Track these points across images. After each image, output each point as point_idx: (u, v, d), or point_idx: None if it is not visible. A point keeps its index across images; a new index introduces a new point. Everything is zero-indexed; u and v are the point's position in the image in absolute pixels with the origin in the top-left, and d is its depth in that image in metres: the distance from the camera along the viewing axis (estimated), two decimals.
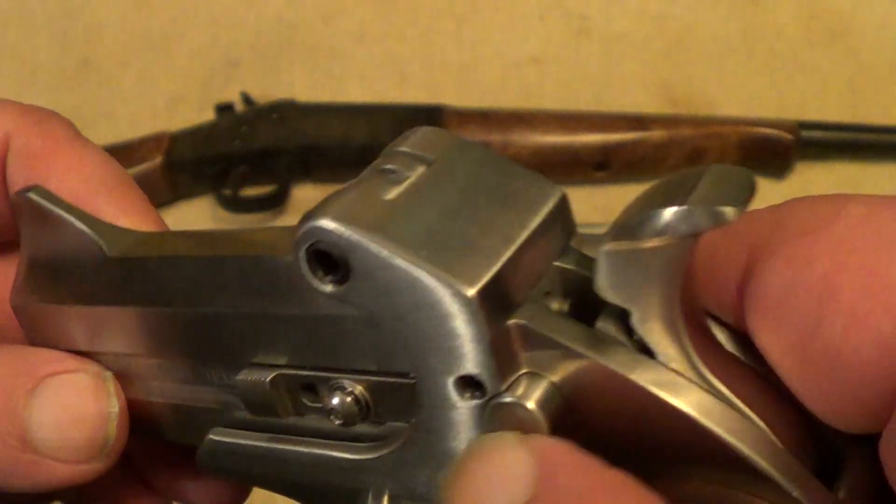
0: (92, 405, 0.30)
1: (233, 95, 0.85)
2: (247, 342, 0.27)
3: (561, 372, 0.22)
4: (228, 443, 0.29)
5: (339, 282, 0.22)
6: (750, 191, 0.20)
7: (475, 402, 0.22)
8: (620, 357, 0.21)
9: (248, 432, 0.28)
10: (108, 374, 0.31)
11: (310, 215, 0.22)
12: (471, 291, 0.21)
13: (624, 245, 0.21)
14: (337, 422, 0.25)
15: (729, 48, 0.89)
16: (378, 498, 0.26)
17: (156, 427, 0.32)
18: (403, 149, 0.24)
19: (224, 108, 0.84)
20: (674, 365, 0.21)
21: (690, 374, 0.21)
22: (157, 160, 0.82)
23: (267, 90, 0.87)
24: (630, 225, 0.20)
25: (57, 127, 0.34)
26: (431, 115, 0.82)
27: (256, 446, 0.28)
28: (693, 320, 0.22)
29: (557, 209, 0.23)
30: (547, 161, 0.81)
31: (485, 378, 0.22)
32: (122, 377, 0.31)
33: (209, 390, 0.29)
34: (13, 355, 0.31)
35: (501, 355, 0.22)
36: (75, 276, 0.31)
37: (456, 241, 0.22)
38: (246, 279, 0.26)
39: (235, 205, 0.82)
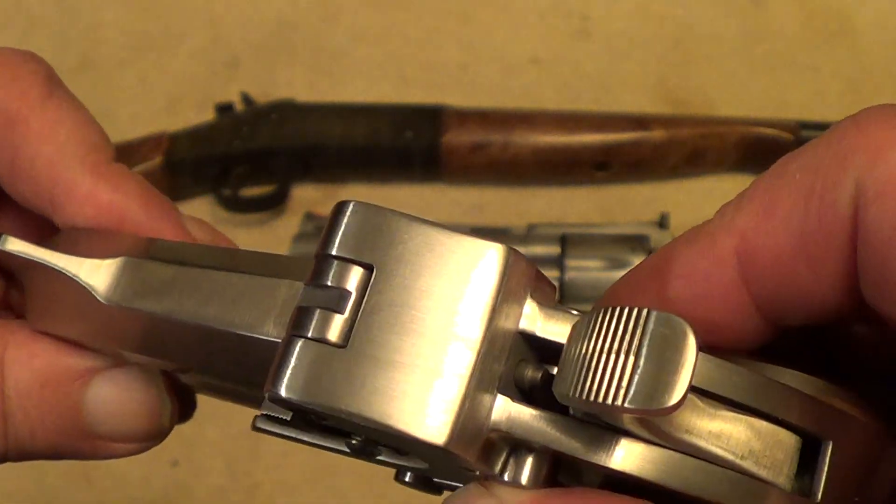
0: (145, 398, 0.31)
1: (233, 95, 0.85)
2: (259, 383, 0.27)
3: (543, 446, 0.24)
4: (273, 432, 0.29)
5: (323, 420, 0.24)
6: (690, 367, 0.21)
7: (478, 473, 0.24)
8: (592, 444, 0.23)
9: (290, 428, 0.29)
10: (156, 369, 0.32)
11: (272, 380, 0.23)
12: (441, 441, 0.22)
13: (570, 404, 0.23)
14: (357, 456, 0.27)
15: (729, 48, 0.89)
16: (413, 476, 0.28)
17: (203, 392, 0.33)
18: (336, 252, 0.24)
19: (224, 108, 0.84)
20: (645, 436, 0.23)
21: (660, 440, 0.23)
22: (157, 160, 0.82)
23: (267, 90, 0.87)
24: (578, 402, 0.22)
25: (32, 83, 0.32)
26: (431, 115, 0.82)
27: (300, 439, 0.29)
28: None
29: (506, 276, 0.23)
30: (547, 161, 0.81)
31: (477, 471, 0.24)
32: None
33: (246, 389, 0.30)
34: (59, 353, 0.31)
35: (486, 456, 0.23)
36: (78, 318, 0.31)
37: (416, 380, 0.23)
38: (238, 354, 0.26)
39: (235, 205, 0.82)
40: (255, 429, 0.29)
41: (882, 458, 0.25)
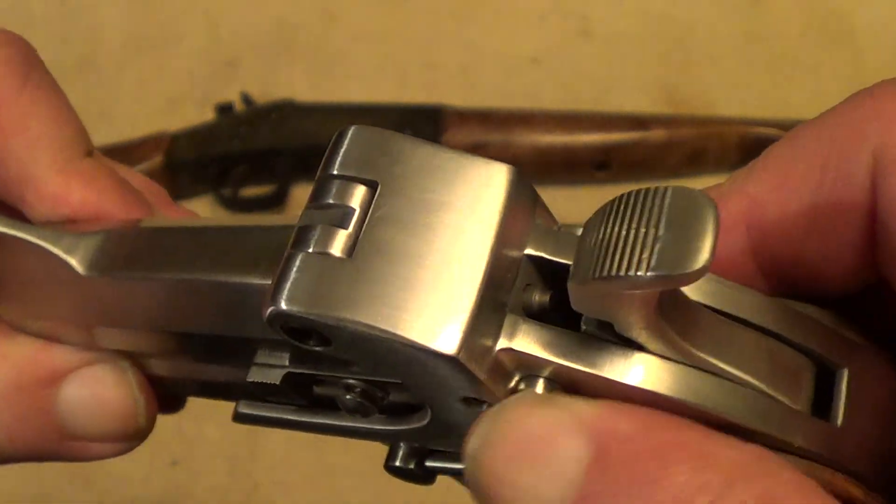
0: (117, 397, 0.30)
1: (233, 95, 0.85)
2: (245, 349, 0.26)
3: (554, 371, 0.22)
4: (257, 415, 0.28)
5: (324, 344, 0.22)
6: (714, 233, 0.20)
7: (482, 408, 0.23)
8: (607, 360, 0.22)
9: (274, 405, 0.28)
10: (125, 363, 0.31)
11: (271, 296, 0.22)
12: (452, 350, 0.21)
13: (591, 290, 0.21)
14: (352, 416, 0.26)
15: (729, 48, 0.89)
16: (409, 447, 0.27)
17: (181, 390, 0.32)
18: (338, 171, 0.23)
19: (224, 108, 0.84)
20: (660, 353, 0.22)
21: (677, 356, 0.22)
22: (157, 160, 0.82)
23: (267, 90, 0.87)
24: (595, 278, 0.20)
25: (6, 71, 0.30)
26: (431, 115, 0.82)
27: (285, 418, 0.28)
28: (674, 306, 0.22)
29: (513, 195, 0.23)
30: (547, 161, 0.81)
31: (485, 398, 0.23)
32: (138, 359, 0.31)
33: (225, 371, 0.29)
34: (28, 356, 0.31)
35: (495, 378, 0.22)
36: (53, 295, 0.30)
37: (424, 292, 0.22)
38: (225, 305, 0.25)
39: (235, 205, 0.82)
40: (238, 417, 0.28)
41: None
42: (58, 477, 0.71)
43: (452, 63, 0.89)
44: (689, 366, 0.22)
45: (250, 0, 0.93)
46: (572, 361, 0.22)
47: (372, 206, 0.22)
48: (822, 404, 0.24)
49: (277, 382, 0.26)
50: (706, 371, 0.22)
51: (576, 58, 0.89)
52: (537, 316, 0.23)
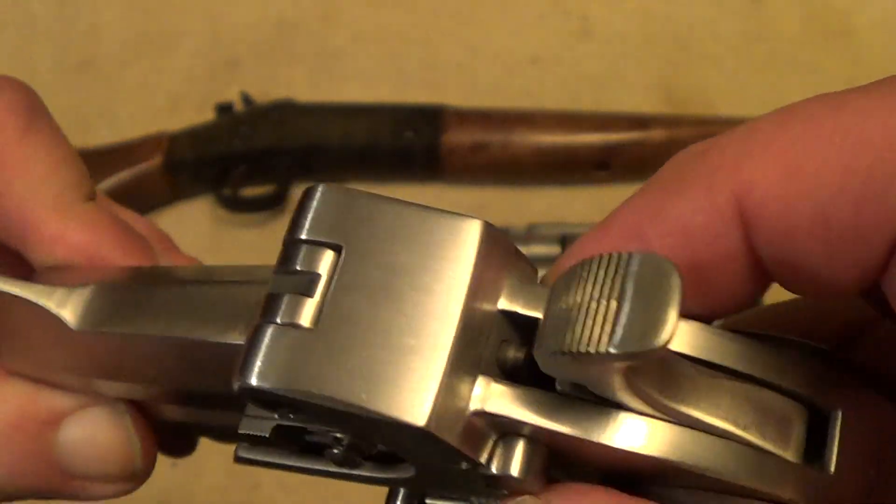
0: (114, 439, 0.31)
1: (233, 95, 0.85)
2: (235, 401, 0.26)
3: (532, 431, 0.22)
4: (255, 459, 0.28)
5: (295, 413, 0.22)
6: (676, 304, 0.19)
7: (465, 468, 0.23)
8: (584, 421, 0.22)
9: (272, 449, 0.28)
10: (122, 406, 0.31)
11: (240, 370, 0.21)
12: (422, 422, 0.21)
13: (557, 365, 0.21)
14: (340, 468, 0.25)
15: (729, 48, 0.89)
16: (405, 499, 0.27)
17: (188, 433, 0.32)
18: (304, 235, 0.23)
19: (224, 108, 0.84)
20: (639, 410, 0.22)
21: (657, 413, 0.22)
22: (157, 160, 0.82)
23: (267, 90, 0.87)
24: (560, 354, 0.20)
25: (9, 115, 0.31)
26: (431, 115, 0.82)
27: (282, 464, 0.28)
28: (653, 364, 0.22)
29: (484, 250, 0.22)
30: (547, 161, 0.81)
31: (464, 463, 0.22)
32: (138, 401, 0.31)
33: (220, 415, 0.29)
34: (28, 396, 0.31)
35: (471, 442, 0.22)
36: (49, 348, 0.30)
37: (392, 361, 0.21)
38: (211, 363, 0.25)
39: (235, 205, 0.82)
40: (238, 459, 0.28)
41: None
42: None
43: (452, 63, 0.89)
44: (672, 422, 0.22)
45: (250, 0, 0.93)
46: (548, 422, 0.22)
47: (338, 270, 0.22)
48: (813, 449, 0.23)
49: (267, 435, 0.26)
50: (689, 426, 0.22)
51: (576, 58, 0.89)
52: (513, 372, 0.23)
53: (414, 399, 0.21)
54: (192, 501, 0.71)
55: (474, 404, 0.22)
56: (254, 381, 0.21)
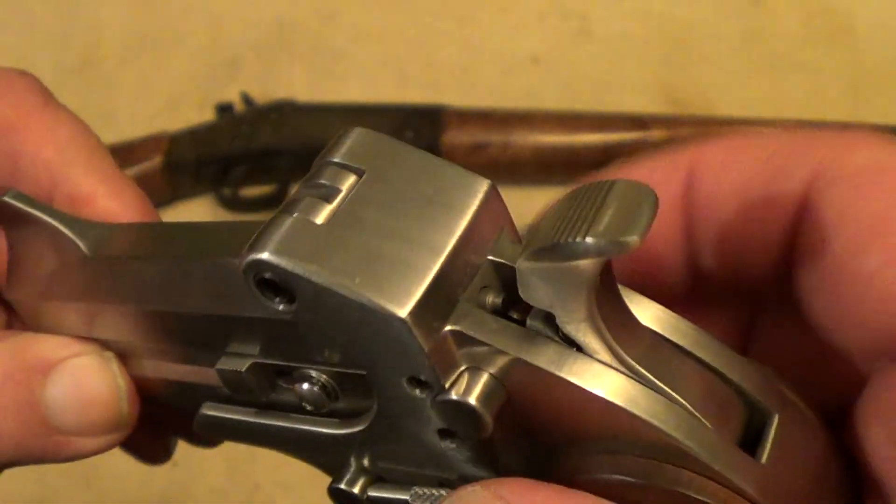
0: (101, 386, 0.31)
1: (233, 95, 0.85)
2: (221, 334, 0.28)
3: (497, 367, 0.24)
4: (219, 416, 0.31)
5: (288, 302, 0.24)
6: (651, 214, 0.22)
7: (426, 395, 0.25)
8: (547, 354, 0.24)
9: (236, 407, 0.30)
10: (109, 354, 0.32)
11: (251, 247, 0.24)
12: (403, 313, 0.23)
13: (538, 265, 0.23)
14: (308, 407, 0.28)
15: (729, 48, 0.89)
16: (357, 468, 0.29)
17: (159, 396, 0.33)
18: (334, 159, 0.26)
19: (224, 108, 0.84)
20: (598, 356, 0.23)
21: (614, 362, 0.24)
22: (157, 160, 0.82)
23: (267, 90, 0.87)
24: (542, 249, 0.22)
25: (28, 93, 0.34)
26: (431, 115, 0.82)
27: (244, 420, 0.30)
28: (616, 314, 0.24)
29: (485, 204, 0.25)
30: (547, 161, 0.81)
31: (429, 379, 0.24)
32: (123, 356, 0.32)
33: (199, 370, 0.30)
34: (20, 346, 0.32)
35: (441, 359, 0.24)
36: (60, 274, 0.32)
37: (388, 261, 0.23)
38: (210, 283, 0.27)
39: (235, 205, 0.82)
40: (200, 419, 0.31)
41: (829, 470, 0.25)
42: (58, 477, 0.72)
43: (452, 63, 0.89)
44: (624, 373, 0.23)
45: (250, 0, 0.93)
46: (513, 350, 0.24)
47: (356, 187, 0.25)
48: (749, 446, 0.24)
49: (242, 370, 0.28)
50: (639, 382, 0.23)
51: (576, 58, 0.89)
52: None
53: (400, 293, 0.23)
54: (191, 501, 0.71)
55: (452, 323, 0.24)
56: (264, 255, 0.23)
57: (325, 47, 0.90)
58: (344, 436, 0.28)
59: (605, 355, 0.23)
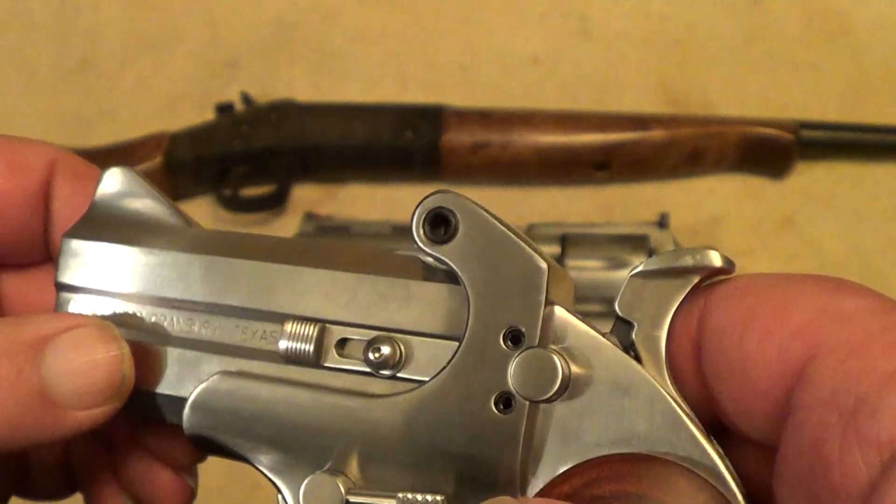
0: (103, 350, 0.32)
1: (233, 95, 0.85)
2: (297, 295, 0.32)
3: (577, 351, 0.30)
4: (232, 384, 0.32)
5: (444, 241, 0.30)
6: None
7: (511, 351, 0.29)
8: (617, 355, 0.30)
9: (255, 376, 0.32)
10: (108, 322, 0.33)
11: (433, 193, 0.30)
12: (544, 265, 0.30)
13: (651, 266, 0.30)
14: (367, 369, 0.31)
15: (729, 48, 0.89)
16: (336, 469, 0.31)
17: (155, 380, 0.34)
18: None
19: (224, 108, 0.84)
20: (650, 371, 0.30)
21: (662, 380, 0.30)
22: (157, 160, 0.82)
23: (267, 90, 0.87)
24: (660, 256, 0.30)
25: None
26: (431, 115, 0.82)
27: (263, 387, 0.32)
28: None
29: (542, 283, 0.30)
30: (547, 161, 0.81)
31: (528, 333, 0.29)
32: (135, 325, 0.34)
33: (253, 327, 0.33)
34: (17, 323, 0.32)
35: (546, 320, 0.29)
36: (149, 230, 0.35)
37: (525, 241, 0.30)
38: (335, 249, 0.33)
39: (235, 205, 0.82)
40: (204, 395, 0.32)
41: None
42: None
43: (452, 63, 0.89)
44: (671, 394, 0.30)
45: (250, 0, 0.93)
46: (599, 334, 0.30)
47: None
48: None
49: (313, 332, 0.32)
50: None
51: (576, 58, 0.89)
52: None
53: (543, 254, 0.30)
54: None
55: (559, 305, 0.30)
56: (448, 193, 0.31)
57: (325, 47, 0.90)
58: (387, 397, 0.31)
59: (654, 371, 0.30)
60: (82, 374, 0.31)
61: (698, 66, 0.88)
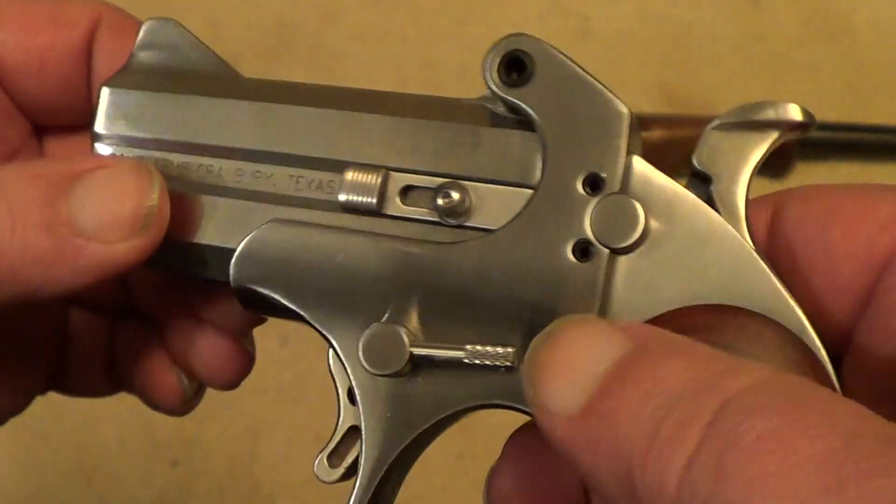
0: (134, 180, 0.30)
1: None
2: (358, 142, 0.31)
3: (658, 200, 0.29)
4: (285, 232, 0.30)
5: (518, 84, 0.29)
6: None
7: (591, 196, 0.29)
8: (701, 202, 0.29)
9: (310, 225, 0.30)
10: (144, 161, 0.32)
11: (507, 36, 0.29)
12: (626, 110, 0.29)
13: (731, 119, 0.29)
14: (435, 216, 0.30)
15: (729, 48, 0.89)
16: (396, 316, 0.29)
17: (200, 231, 0.32)
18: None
19: None
20: (732, 222, 0.29)
21: (742, 230, 0.29)
22: None
23: None
24: (741, 108, 0.29)
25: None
26: None
27: (319, 235, 0.30)
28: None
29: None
30: None
31: (609, 178, 0.29)
32: (178, 175, 0.32)
33: (312, 175, 0.31)
34: (51, 161, 0.31)
35: (626, 167, 0.29)
36: (193, 79, 0.34)
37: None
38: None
39: None
40: (255, 242, 0.31)
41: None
42: (58, 477, 0.72)
43: (452, 62, 0.89)
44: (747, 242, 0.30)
45: (250, 0, 0.93)
46: (678, 187, 0.30)
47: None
48: None
49: (377, 179, 0.30)
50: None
51: (576, 58, 0.89)
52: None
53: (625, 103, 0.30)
54: (191, 501, 0.71)
55: (636, 157, 0.30)
56: (525, 35, 0.29)
57: (325, 47, 0.90)
58: (456, 244, 0.29)
59: (736, 223, 0.29)
60: (108, 201, 0.30)
61: (698, 66, 0.88)
